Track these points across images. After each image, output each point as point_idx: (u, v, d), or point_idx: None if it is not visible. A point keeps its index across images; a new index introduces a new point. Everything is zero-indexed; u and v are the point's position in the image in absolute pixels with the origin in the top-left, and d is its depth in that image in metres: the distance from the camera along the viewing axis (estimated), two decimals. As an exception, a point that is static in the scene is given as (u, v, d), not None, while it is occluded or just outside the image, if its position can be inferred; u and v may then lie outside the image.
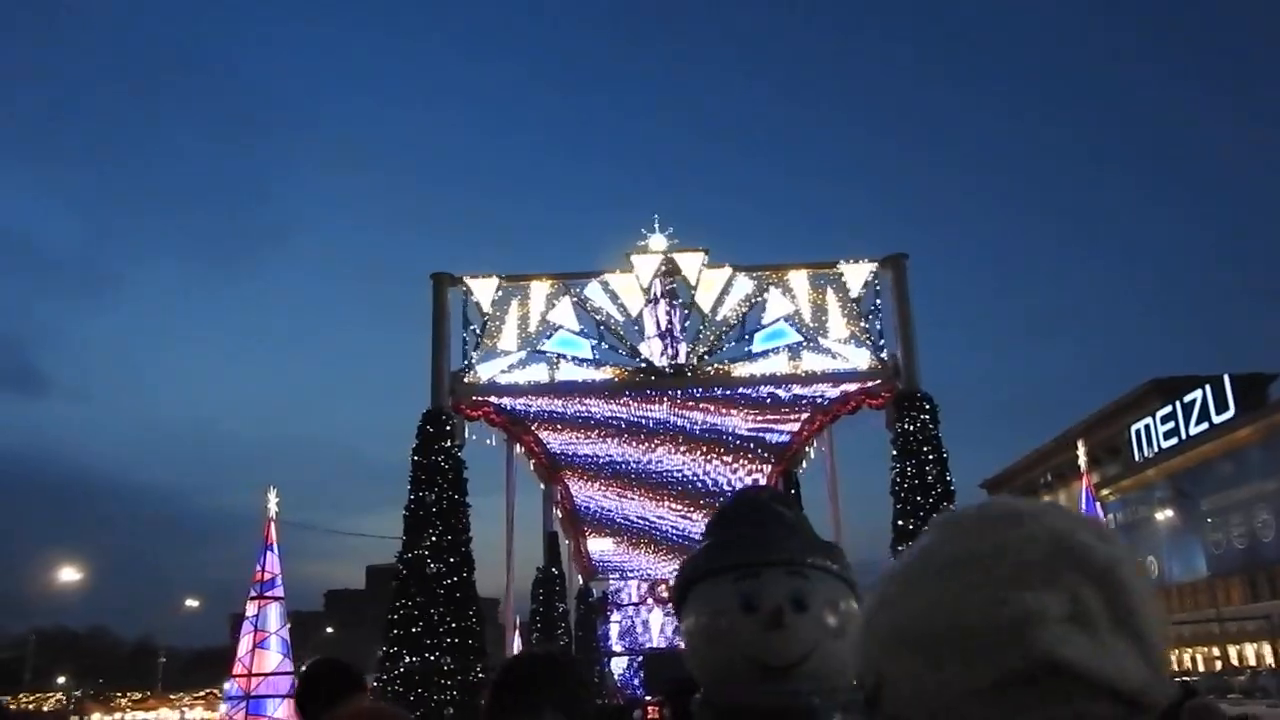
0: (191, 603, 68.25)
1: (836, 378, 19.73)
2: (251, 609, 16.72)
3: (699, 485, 27.82)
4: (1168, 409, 70.93)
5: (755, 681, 2.00)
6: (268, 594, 16.68)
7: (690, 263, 20.35)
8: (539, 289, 20.43)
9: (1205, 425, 66.58)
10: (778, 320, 19.94)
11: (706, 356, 19.90)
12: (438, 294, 20.22)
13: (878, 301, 20.01)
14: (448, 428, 19.40)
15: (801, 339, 19.81)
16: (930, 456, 18.67)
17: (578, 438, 24.74)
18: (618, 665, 48.78)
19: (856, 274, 20.04)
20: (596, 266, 20.81)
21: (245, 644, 16.50)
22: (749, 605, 2.73)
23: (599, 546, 42.00)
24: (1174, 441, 69.21)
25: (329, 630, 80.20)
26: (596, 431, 24.06)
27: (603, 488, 31.03)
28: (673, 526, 34.28)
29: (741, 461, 25.74)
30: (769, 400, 20.70)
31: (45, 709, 29.70)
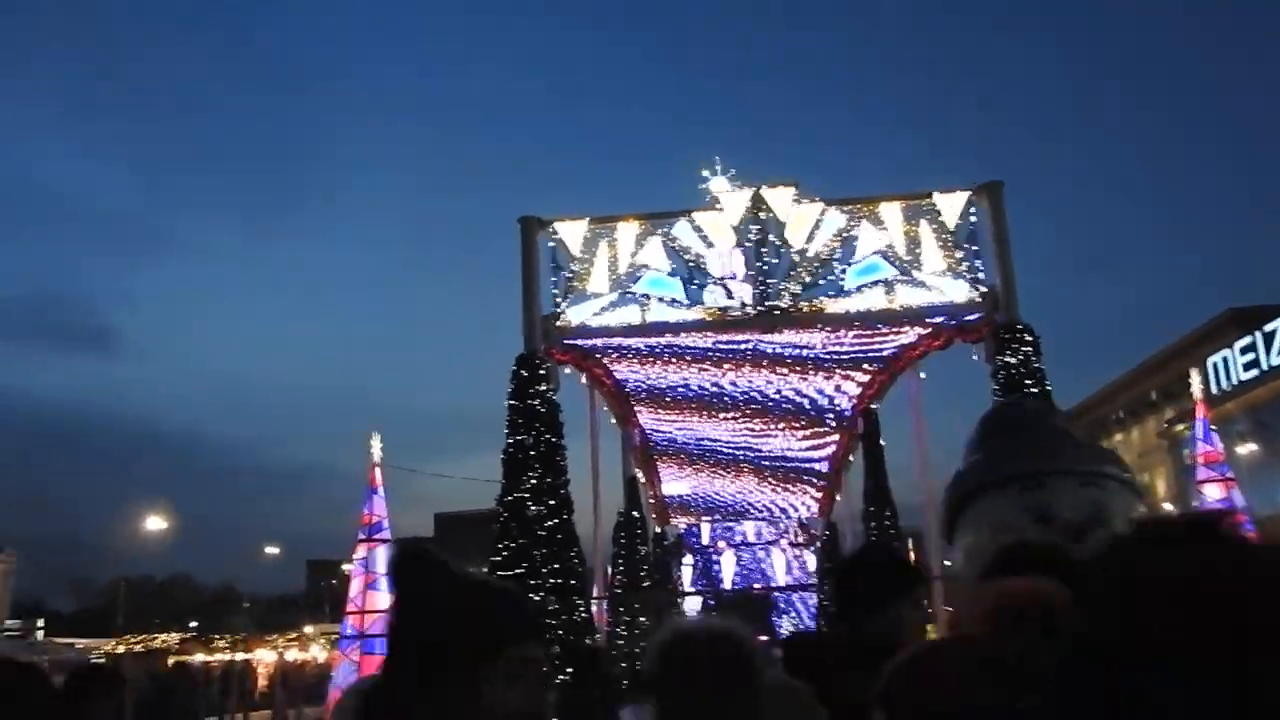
0: (272, 550, 70.36)
1: (934, 311, 19.34)
2: (361, 551, 17.02)
3: (780, 405, 27.65)
4: (1247, 339, 69.01)
5: None
6: (375, 537, 16.95)
7: (780, 198, 20.00)
8: (627, 230, 20.24)
9: (1290, 355, 64.81)
10: (871, 254, 19.57)
11: (800, 294, 19.62)
12: (526, 237, 20.13)
13: (974, 232, 19.53)
14: (541, 371, 19.42)
15: (896, 273, 19.43)
16: (1035, 390, 18.28)
17: (655, 371, 24.65)
18: (691, 607, 49.27)
19: (951, 204, 19.54)
20: (678, 208, 20.55)
21: (356, 586, 16.82)
22: (1043, 517, 2.43)
23: (673, 490, 42.23)
24: (1254, 373, 67.43)
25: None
26: (675, 362, 23.92)
27: (677, 417, 30.97)
28: (749, 448, 34.12)
29: (827, 386, 25.53)
30: (860, 332, 20.43)
31: (148, 648, 30.93)
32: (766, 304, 19.45)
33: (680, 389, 26.38)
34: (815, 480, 39.87)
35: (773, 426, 30.50)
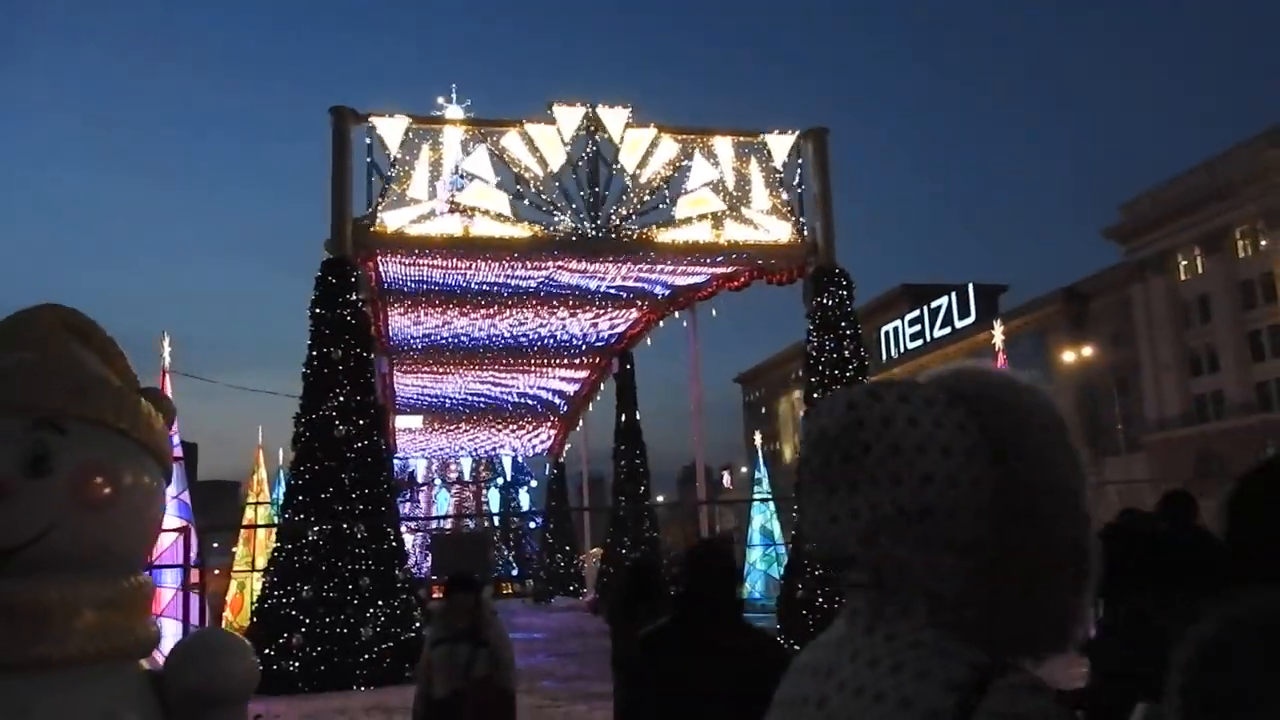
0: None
1: (760, 249, 19.59)
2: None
3: (545, 341, 27.18)
4: (915, 313, 77.25)
5: None
6: (168, 454, 14.65)
7: (614, 119, 19.32)
8: (452, 134, 18.72)
9: (949, 329, 73.15)
10: (701, 186, 19.45)
11: (630, 220, 19.14)
12: (339, 130, 18.05)
13: (799, 174, 19.96)
14: (352, 279, 17.60)
15: (724, 207, 19.45)
16: (848, 332, 19.07)
17: (432, 311, 23.27)
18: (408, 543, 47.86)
19: (780, 145, 19.82)
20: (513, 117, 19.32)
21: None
22: None
23: (405, 423, 40.53)
24: (920, 343, 75.63)
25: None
26: (456, 304, 22.68)
27: (428, 366, 29.63)
28: (496, 383, 33.36)
29: (601, 320, 25.31)
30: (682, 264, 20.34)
31: None
32: (597, 228, 18.79)
33: (440, 337, 25.31)
34: (553, 417, 39.66)
35: (529, 364, 29.88)
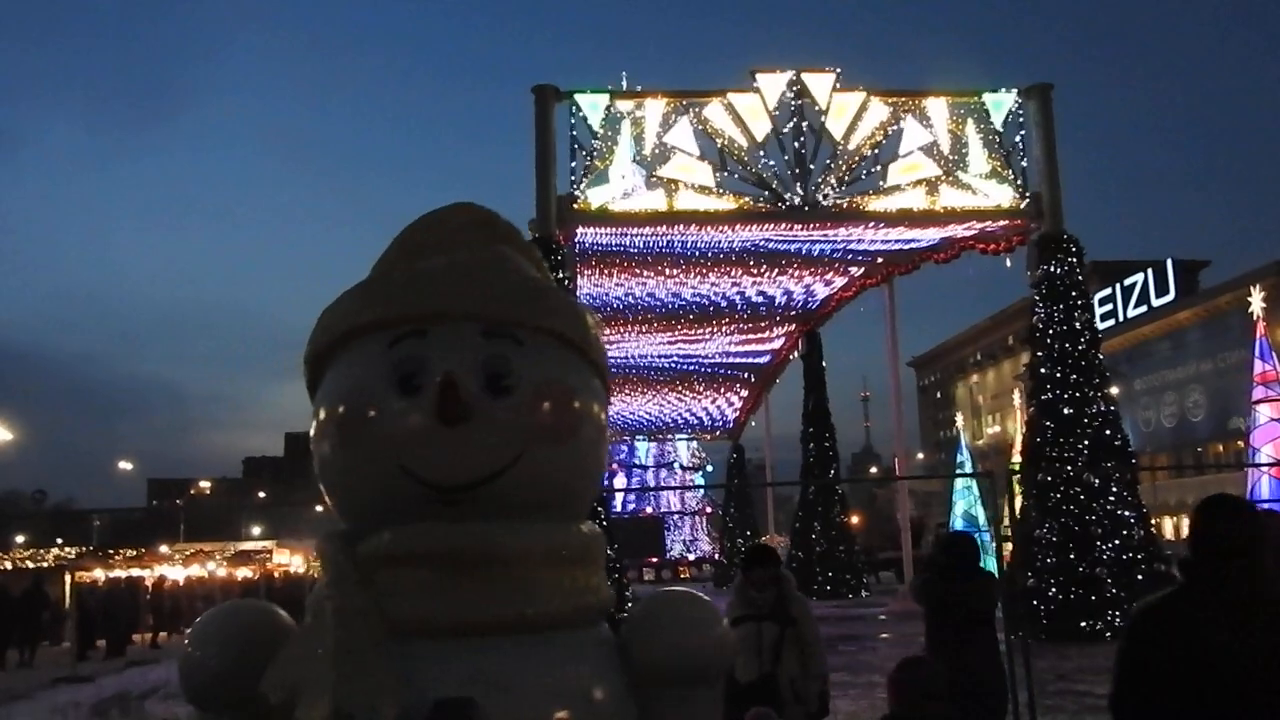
0: (125, 465, 65.11)
1: (979, 215, 18.41)
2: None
3: (739, 305, 26.23)
4: (1106, 291, 72.71)
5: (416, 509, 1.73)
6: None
7: (820, 84, 18.51)
8: (654, 107, 18.33)
9: (1144, 308, 68.59)
10: (914, 151, 18.41)
11: (838, 188, 18.29)
12: (541, 108, 17.94)
13: (1020, 135, 18.64)
14: (558, 258, 17.46)
15: (940, 172, 18.35)
16: (1079, 302, 17.65)
17: (624, 273, 22.67)
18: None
19: (1000, 104, 18.56)
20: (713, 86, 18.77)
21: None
22: (406, 380, 1.80)
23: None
24: (1110, 324, 71.17)
25: (260, 495, 77.95)
26: (649, 266, 21.99)
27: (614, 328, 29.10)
28: (682, 355, 32.66)
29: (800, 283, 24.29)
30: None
31: (42, 567, 27.78)
32: (804, 197, 18.03)
33: (645, 289, 24.69)
34: (737, 391, 38.61)
35: (715, 328, 28.87)
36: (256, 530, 56.87)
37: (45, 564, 28.62)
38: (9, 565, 28.52)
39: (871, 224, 18.72)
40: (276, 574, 30.08)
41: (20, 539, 50.79)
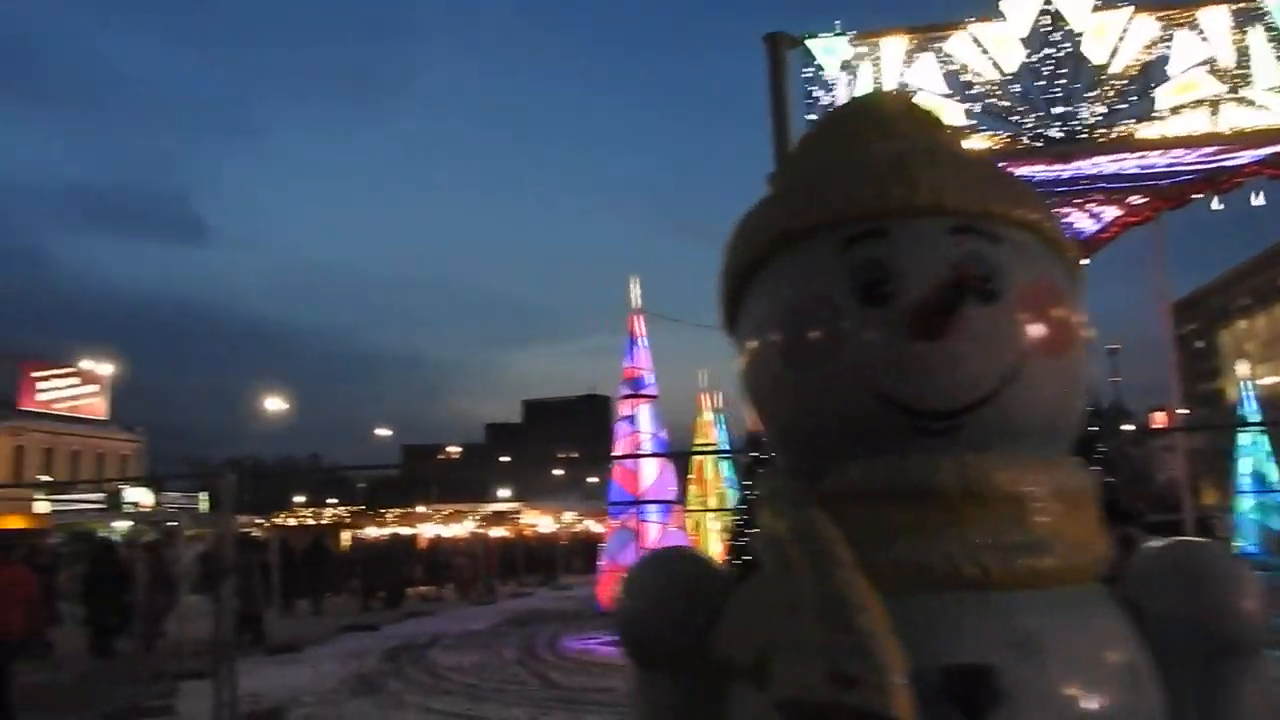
0: (383, 431, 70.20)
1: (1271, 136, 16.46)
2: (625, 409, 15.03)
3: None
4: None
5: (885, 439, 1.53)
6: (641, 392, 14.93)
7: (1076, 6, 17.02)
8: (893, 45, 17.46)
9: None
10: (1190, 69, 16.64)
11: (1102, 118, 16.82)
12: (774, 57, 17.44)
13: (1319, 41, 16.47)
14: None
15: (1224, 90, 16.51)
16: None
17: None
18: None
19: (1292, 6, 16.46)
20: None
21: (623, 447, 14.87)
22: (871, 288, 1.55)
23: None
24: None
25: (502, 460, 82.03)
26: None
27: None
28: None
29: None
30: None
31: (318, 523, 30.48)
32: (1064, 130, 16.71)
33: None
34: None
35: None
36: (502, 493, 59.91)
37: (324, 521, 31.30)
38: (294, 523, 31.50)
39: (1141, 153, 17.11)
40: (527, 533, 31.44)
41: (297, 499, 55.98)
